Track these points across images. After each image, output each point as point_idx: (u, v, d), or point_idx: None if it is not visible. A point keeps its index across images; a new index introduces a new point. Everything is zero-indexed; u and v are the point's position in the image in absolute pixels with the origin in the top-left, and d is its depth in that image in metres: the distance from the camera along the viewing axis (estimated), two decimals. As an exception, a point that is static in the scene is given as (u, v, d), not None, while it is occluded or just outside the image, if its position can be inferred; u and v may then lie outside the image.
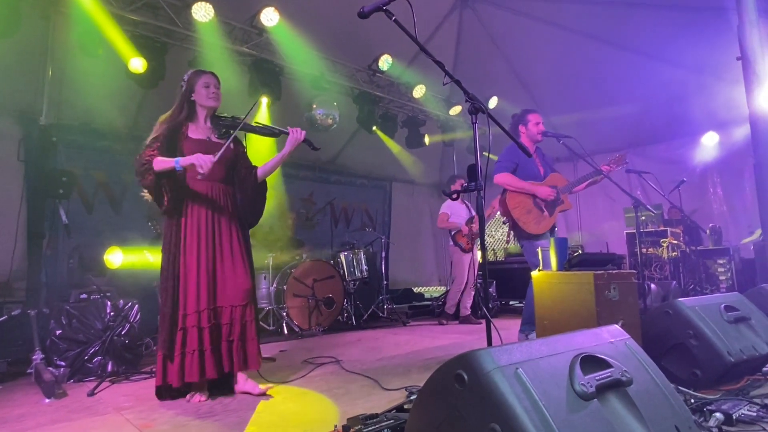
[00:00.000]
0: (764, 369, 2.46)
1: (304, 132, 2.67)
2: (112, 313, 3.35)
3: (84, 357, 3.14)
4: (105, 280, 3.66)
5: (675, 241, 5.61)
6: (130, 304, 3.47)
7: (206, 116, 2.66)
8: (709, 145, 6.36)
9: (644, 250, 5.60)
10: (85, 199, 4.87)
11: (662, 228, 5.78)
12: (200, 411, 2.31)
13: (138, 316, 3.49)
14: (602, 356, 1.30)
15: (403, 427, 1.62)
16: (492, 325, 1.92)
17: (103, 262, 3.75)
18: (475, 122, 2.10)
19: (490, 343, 1.91)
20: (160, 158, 2.40)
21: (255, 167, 2.76)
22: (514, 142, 2.24)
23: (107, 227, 4.81)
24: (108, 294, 3.48)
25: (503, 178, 3.50)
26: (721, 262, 5.41)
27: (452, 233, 5.55)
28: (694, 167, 6.45)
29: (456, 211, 5.56)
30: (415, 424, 1.27)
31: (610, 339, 1.43)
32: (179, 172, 2.41)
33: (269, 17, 4.83)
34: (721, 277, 5.36)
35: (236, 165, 2.72)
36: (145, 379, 3.06)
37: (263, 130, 2.67)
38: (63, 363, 3.06)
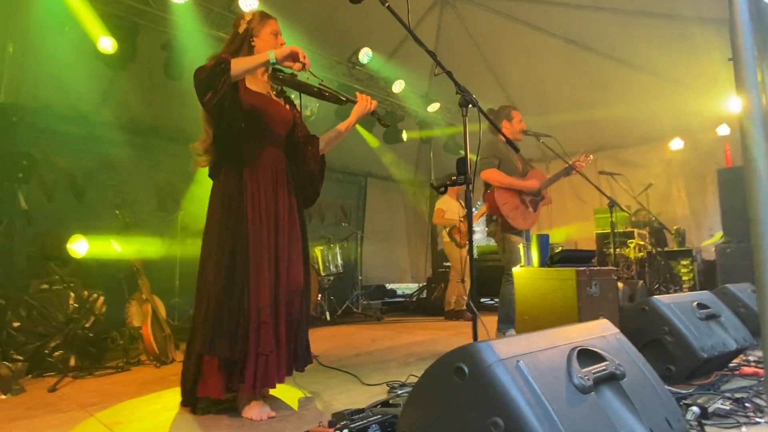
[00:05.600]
0: (730, 365, 2.56)
1: (375, 102, 2.31)
2: (75, 305, 3.18)
3: (44, 351, 2.97)
4: (68, 270, 3.45)
5: (641, 242, 5.79)
6: (95, 295, 3.30)
7: (266, 69, 2.23)
8: (674, 150, 6.61)
9: (613, 250, 5.76)
10: (45, 186, 4.58)
11: (630, 229, 5.96)
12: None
13: (104, 308, 3.33)
14: (597, 350, 1.30)
15: (390, 422, 1.59)
16: (479, 319, 1.91)
17: (67, 251, 3.54)
18: (465, 115, 2.08)
19: (475, 338, 1.90)
20: (239, 58, 1.99)
21: (316, 137, 2.35)
22: (503, 136, 2.24)
23: (70, 216, 4.54)
24: (71, 284, 3.29)
25: (491, 174, 3.48)
26: (684, 263, 5.64)
27: (448, 229, 5.58)
28: (660, 171, 6.69)
29: (451, 207, 5.60)
30: (409, 418, 1.24)
31: (602, 333, 1.44)
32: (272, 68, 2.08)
33: (248, 2, 4.66)
34: (684, 278, 5.58)
35: (294, 131, 2.31)
36: (111, 374, 2.92)
37: (327, 94, 2.22)
38: (21, 357, 2.88)
